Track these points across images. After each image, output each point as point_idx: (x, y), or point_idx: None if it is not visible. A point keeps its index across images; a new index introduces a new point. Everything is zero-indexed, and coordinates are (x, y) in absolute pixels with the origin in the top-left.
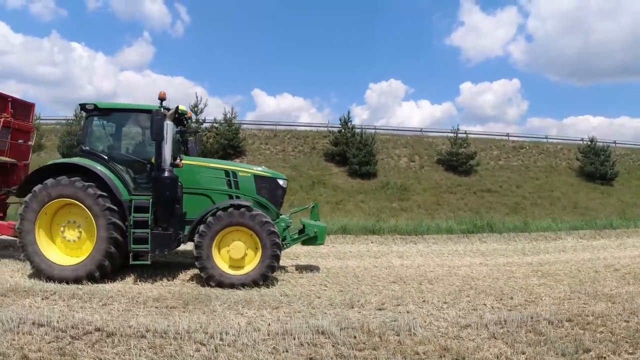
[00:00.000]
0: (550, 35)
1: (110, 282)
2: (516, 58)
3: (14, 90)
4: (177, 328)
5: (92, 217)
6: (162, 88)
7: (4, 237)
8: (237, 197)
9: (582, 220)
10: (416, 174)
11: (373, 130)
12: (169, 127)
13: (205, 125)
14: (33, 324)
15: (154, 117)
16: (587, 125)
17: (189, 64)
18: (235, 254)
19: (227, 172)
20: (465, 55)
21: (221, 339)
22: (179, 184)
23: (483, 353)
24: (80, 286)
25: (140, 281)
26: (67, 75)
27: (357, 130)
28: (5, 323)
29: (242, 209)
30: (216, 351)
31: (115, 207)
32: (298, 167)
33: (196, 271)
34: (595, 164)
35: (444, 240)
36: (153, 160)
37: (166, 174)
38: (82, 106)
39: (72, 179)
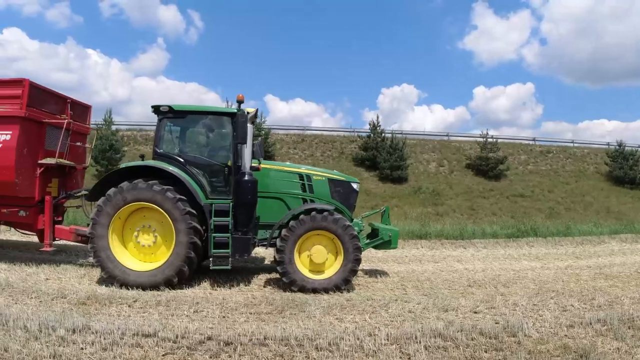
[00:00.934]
0: (563, 38)
1: (186, 287)
2: (530, 61)
3: None
4: (294, 334)
5: (170, 221)
6: (175, 94)
7: (58, 242)
8: (312, 201)
9: (620, 225)
10: (447, 179)
11: (402, 135)
12: (249, 130)
13: None
14: (137, 334)
15: (238, 119)
16: (603, 130)
17: (203, 70)
18: (317, 258)
19: (301, 176)
20: (479, 59)
21: (346, 345)
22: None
23: (602, 349)
24: (158, 293)
25: (214, 286)
26: (83, 81)
27: (386, 135)
28: (106, 335)
29: (325, 213)
30: (347, 357)
31: (194, 211)
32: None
33: (265, 275)
34: (624, 168)
35: (492, 244)
36: (229, 163)
37: (247, 177)
38: (156, 108)
39: (150, 182)
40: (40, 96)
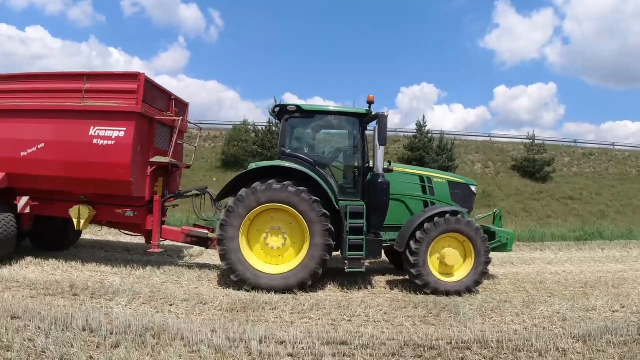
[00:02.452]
0: (587, 37)
1: (313, 289)
2: (552, 61)
3: None
4: (480, 337)
5: (305, 223)
6: (196, 92)
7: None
8: (432, 203)
9: None
10: (494, 180)
11: (452, 136)
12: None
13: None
14: (332, 342)
15: (381, 120)
16: (626, 131)
17: (222, 68)
18: (450, 260)
19: (422, 178)
20: (500, 59)
21: (531, 345)
22: None
23: None
24: (296, 296)
25: (336, 288)
26: None
27: (433, 136)
28: (296, 344)
29: (459, 216)
30: (541, 355)
31: (328, 213)
32: None
33: (383, 277)
34: None
35: (566, 247)
36: (356, 164)
37: (381, 179)
38: (283, 107)
39: (284, 183)
40: (151, 92)
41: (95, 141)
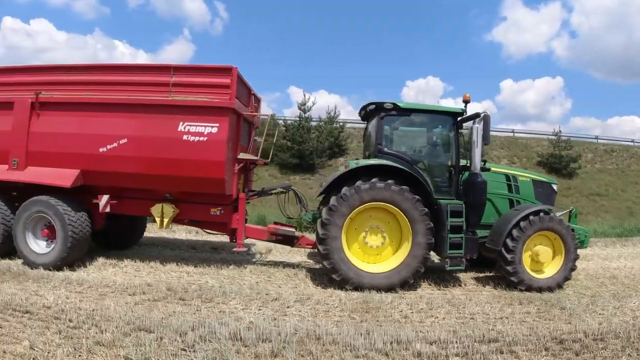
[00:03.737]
0: (594, 31)
1: (414, 288)
2: (559, 54)
3: None
4: (609, 328)
5: (407, 221)
6: None
7: (212, 238)
8: (517, 202)
9: None
10: None
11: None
12: (479, 130)
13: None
14: (480, 341)
15: (485, 120)
16: (633, 126)
17: (227, 61)
18: (543, 257)
19: (507, 177)
20: (507, 52)
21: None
22: None
23: None
24: (402, 294)
25: (432, 287)
26: None
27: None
28: (449, 343)
29: (551, 214)
30: None
31: (429, 212)
32: None
33: (449, 275)
34: None
35: (611, 243)
36: (450, 163)
37: (479, 178)
38: (379, 105)
39: (388, 182)
40: (239, 86)
41: (185, 137)
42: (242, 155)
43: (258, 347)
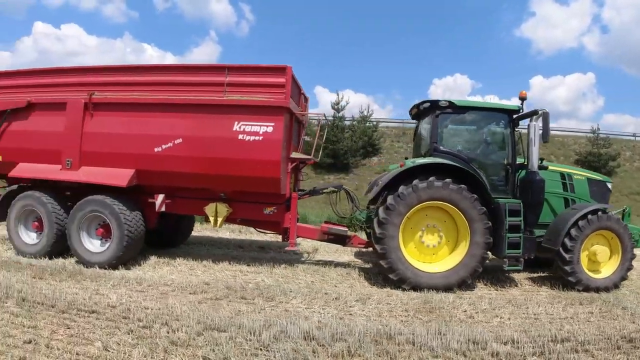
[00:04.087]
0: (626, 26)
1: (470, 288)
2: (591, 50)
3: None
4: None
5: (465, 221)
6: None
7: (257, 237)
8: (573, 201)
9: None
10: None
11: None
12: (536, 128)
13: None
14: (553, 340)
15: (545, 117)
16: None
17: (254, 61)
18: (601, 257)
19: (563, 175)
20: (536, 48)
21: None
22: None
23: None
24: (461, 294)
25: (487, 287)
26: None
27: None
28: (524, 343)
29: (609, 213)
30: None
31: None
32: None
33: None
34: None
35: None
36: (506, 161)
37: (538, 177)
38: (434, 103)
39: (446, 180)
40: (292, 86)
41: (240, 137)
42: (294, 155)
43: (334, 347)
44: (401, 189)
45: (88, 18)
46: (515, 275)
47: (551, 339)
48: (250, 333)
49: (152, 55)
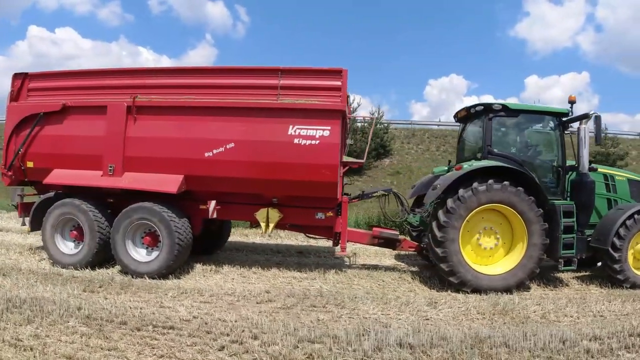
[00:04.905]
0: (621, 24)
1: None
2: (585, 49)
3: None
4: None
5: (523, 223)
6: None
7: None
8: (615, 201)
9: None
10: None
11: None
12: (586, 131)
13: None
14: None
15: (597, 120)
16: None
17: (250, 63)
18: None
19: (605, 176)
20: (532, 48)
21: None
22: None
23: None
24: (520, 295)
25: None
26: None
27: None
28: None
29: None
30: None
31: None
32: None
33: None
34: None
35: None
36: (556, 163)
37: (589, 178)
38: (488, 106)
39: (504, 183)
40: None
41: (296, 141)
42: (345, 158)
43: (433, 353)
44: (461, 192)
45: (83, 21)
46: (562, 276)
47: (629, 333)
48: (345, 342)
49: (148, 58)
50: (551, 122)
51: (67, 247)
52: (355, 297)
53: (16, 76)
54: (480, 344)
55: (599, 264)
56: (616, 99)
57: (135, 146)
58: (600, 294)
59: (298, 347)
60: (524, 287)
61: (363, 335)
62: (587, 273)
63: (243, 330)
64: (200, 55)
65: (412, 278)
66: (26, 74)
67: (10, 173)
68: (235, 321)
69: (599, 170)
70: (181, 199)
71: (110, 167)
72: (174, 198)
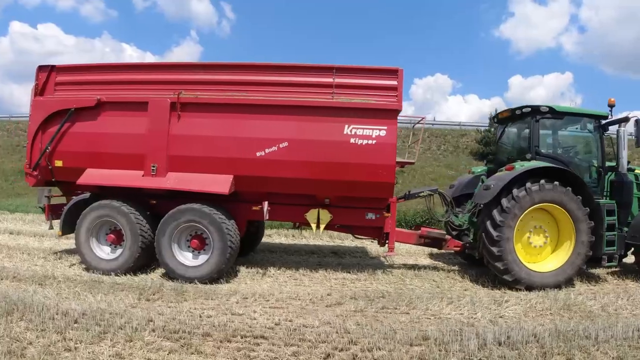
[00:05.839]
0: (604, 25)
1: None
2: (568, 50)
3: None
4: None
5: (572, 221)
6: None
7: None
8: None
9: None
10: None
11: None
12: (625, 133)
13: None
14: None
15: (638, 124)
16: None
17: (235, 60)
18: None
19: (637, 176)
20: (516, 48)
21: None
22: None
23: None
24: (570, 290)
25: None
26: None
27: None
28: None
29: None
30: None
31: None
32: (453, 165)
33: None
34: None
35: None
36: (596, 163)
37: (628, 178)
38: (535, 108)
39: (554, 183)
40: None
41: (352, 140)
42: (405, 159)
43: (526, 350)
44: (515, 191)
45: (65, 17)
46: (594, 272)
47: None
48: (447, 344)
49: (131, 55)
50: (592, 125)
51: (103, 251)
52: (420, 297)
53: (41, 69)
54: (567, 338)
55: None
56: (599, 100)
57: (180, 145)
58: (639, 287)
59: (402, 350)
60: (570, 283)
61: (461, 335)
62: (617, 269)
63: (337, 337)
64: (185, 52)
65: (461, 277)
66: (53, 66)
67: (35, 173)
68: (319, 326)
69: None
70: (230, 200)
71: (153, 166)
72: (222, 199)
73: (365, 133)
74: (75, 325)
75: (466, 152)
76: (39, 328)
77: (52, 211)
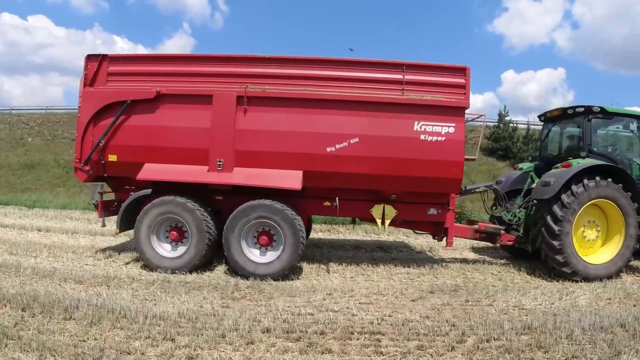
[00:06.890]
0: (597, 22)
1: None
2: (561, 46)
3: (58, 82)
4: None
5: (622, 216)
6: None
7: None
8: None
9: None
10: None
11: (537, 126)
12: None
13: None
14: None
15: None
16: None
17: (228, 52)
18: None
19: None
20: (509, 43)
21: None
22: None
23: None
24: (623, 282)
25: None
26: None
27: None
28: None
29: None
30: None
31: None
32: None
33: None
34: None
35: None
36: (638, 162)
37: None
38: (588, 108)
39: (608, 180)
40: None
41: (422, 137)
42: (471, 156)
43: (618, 336)
44: (574, 187)
45: (56, 9)
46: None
47: None
48: (558, 330)
49: (123, 47)
50: (635, 124)
51: (164, 249)
52: (495, 290)
53: (90, 58)
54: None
55: None
56: (591, 95)
57: (247, 139)
58: None
59: (515, 339)
60: (619, 274)
61: (560, 322)
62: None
63: (448, 329)
64: (177, 45)
65: (517, 270)
66: (104, 55)
67: (87, 168)
68: (423, 320)
69: None
70: (298, 196)
71: (220, 162)
72: (291, 195)
73: (434, 130)
74: (180, 329)
75: (475, 147)
76: (143, 335)
77: (105, 207)
